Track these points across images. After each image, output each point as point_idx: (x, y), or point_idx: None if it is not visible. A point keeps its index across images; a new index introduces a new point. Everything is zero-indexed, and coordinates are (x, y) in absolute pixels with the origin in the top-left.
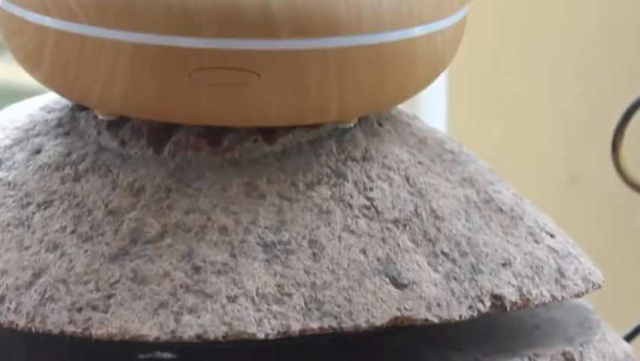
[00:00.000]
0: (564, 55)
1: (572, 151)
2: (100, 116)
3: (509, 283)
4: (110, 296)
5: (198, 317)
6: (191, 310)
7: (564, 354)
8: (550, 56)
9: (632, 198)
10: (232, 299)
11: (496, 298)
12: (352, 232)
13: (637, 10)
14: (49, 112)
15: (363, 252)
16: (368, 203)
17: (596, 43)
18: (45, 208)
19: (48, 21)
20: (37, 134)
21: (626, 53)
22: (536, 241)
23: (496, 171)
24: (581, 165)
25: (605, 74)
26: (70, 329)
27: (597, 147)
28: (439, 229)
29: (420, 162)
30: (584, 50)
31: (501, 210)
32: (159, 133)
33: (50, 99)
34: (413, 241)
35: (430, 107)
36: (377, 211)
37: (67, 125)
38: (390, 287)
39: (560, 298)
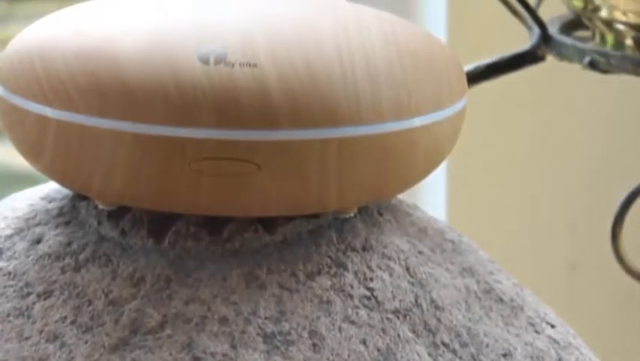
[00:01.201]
0: (563, 144)
1: (571, 239)
2: (100, 206)
3: None
4: None
5: None
6: None
7: None
8: (550, 145)
9: (632, 286)
10: None
11: None
12: (352, 322)
13: (637, 98)
14: (50, 201)
15: (364, 342)
16: (368, 293)
17: (596, 132)
18: (45, 298)
19: (49, 111)
20: (38, 224)
21: (625, 142)
22: (537, 332)
23: (496, 259)
24: (581, 253)
25: (604, 163)
26: None
27: (597, 235)
28: (439, 320)
29: (420, 252)
30: (584, 139)
31: (501, 300)
32: (160, 223)
33: (51, 188)
34: (413, 331)
35: (430, 196)
36: (377, 301)
37: (68, 214)
38: None
39: None
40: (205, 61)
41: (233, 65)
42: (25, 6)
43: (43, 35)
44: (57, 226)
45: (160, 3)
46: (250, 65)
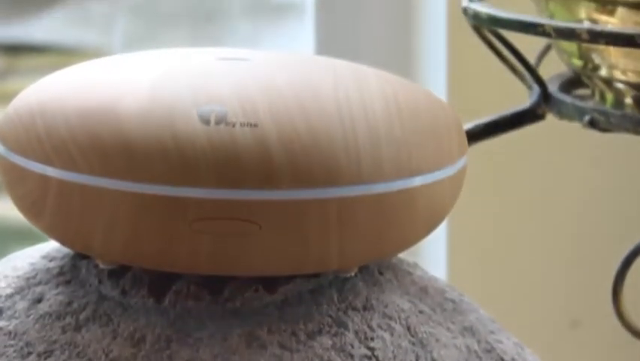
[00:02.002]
0: (564, 201)
1: (572, 297)
2: (101, 265)
3: None
4: None
5: None
6: None
7: None
8: (550, 202)
9: (633, 344)
10: None
11: None
12: None
13: (637, 156)
14: (50, 260)
15: None
16: (369, 353)
17: (596, 190)
18: (46, 358)
19: (50, 171)
20: (39, 283)
21: (626, 200)
22: None
23: (497, 317)
24: (582, 311)
25: (605, 220)
26: None
27: (598, 293)
28: None
29: (421, 311)
30: (584, 196)
31: (502, 360)
32: (160, 282)
33: (52, 247)
34: None
35: (431, 254)
36: None
37: (69, 273)
38: None
39: None
40: (206, 121)
41: (234, 125)
42: (26, 60)
43: (45, 94)
44: (58, 285)
45: (161, 62)
46: (251, 124)
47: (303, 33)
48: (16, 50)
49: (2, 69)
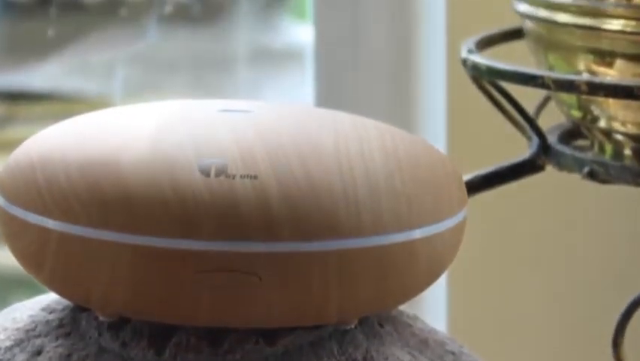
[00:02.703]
0: (564, 252)
1: (572, 349)
2: (101, 318)
3: None
4: None
5: None
6: None
7: None
8: (550, 256)
9: None
10: None
11: None
12: None
13: (636, 208)
14: (50, 312)
15: None
16: None
17: (595, 241)
18: None
19: (50, 223)
20: (38, 335)
21: (626, 251)
22: None
23: None
24: None
25: (605, 272)
26: None
27: (598, 345)
28: None
29: None
30: (583, 248)
31: None
32: (160, 334)
33: (52, 299)
34: None
35: (431, 306)
36: None
37: (69, 326)
38: None
39: None
40: (206, 173)
41: (234, 177)
42: (26, 108)
43: (45, 146)
44: (57, 338)
45: (162, 114)
46: (251, 176)
47: (303, 81)
48: (16, 97)
49: (2, 117)
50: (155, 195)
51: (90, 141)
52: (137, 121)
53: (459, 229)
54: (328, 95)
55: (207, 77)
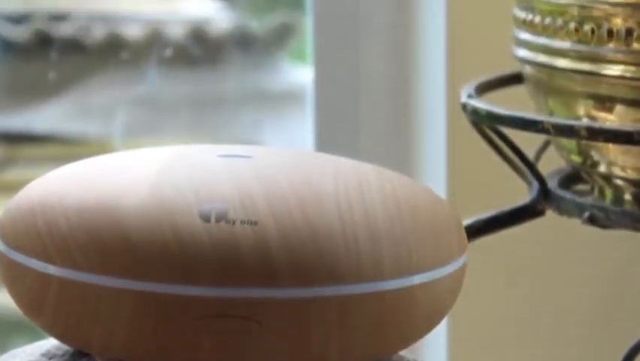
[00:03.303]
0: (565, 296)
1: None
2: None
3: None
4: None
5: None
6: None
7: None
8: (551, 298)
9: None
10: None
11: None
12: None
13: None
14: (50, 358)
15: None
16: None
17: (596, 286)
18: None
19: (50, 269)
20: None
21: (626, 295)
22: None
23: None
24: None
25: (605, 316)
26: None
27: None
28: None
29: None
30: (584, 292)
31: None
32: None
33: (51, 344)
34: None
35: (432, 352)
36: None
37: None
38: None
39: None
40: (206, 218)
41: (234, 223)
42: (27, 150)
43: (46, 191)
44: None
45: (162, 159)
46: (251, 222)
47: (303, 122)
48: (16, 139)
49: (3, 159)
50: (155, 241)
51: (90, 186)
52: (138, 166)
53: (459, 274)
54: (328, 137)
55: (207, 118)
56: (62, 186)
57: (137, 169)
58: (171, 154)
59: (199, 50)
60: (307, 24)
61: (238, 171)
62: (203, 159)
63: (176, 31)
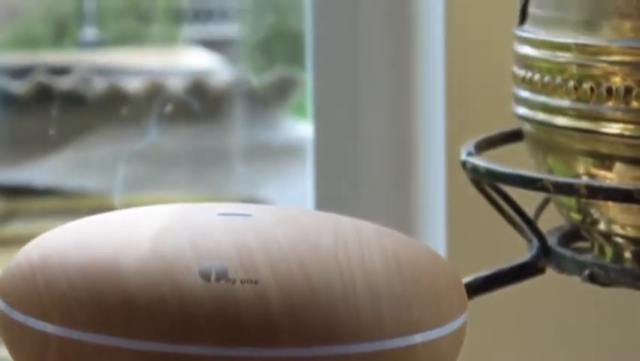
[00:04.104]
0: (565, 354)
1: None
2: None
3: None
4: None
5: None
6: None
7: None
8: (552, 356)
9: None
10: None
11: None
12: None
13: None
14: None
15: None
16: None
17: (597, 342)
18: None
19: (50, 328)
20: None
21: (629, 352)
22: None
23: None
24: None
25: None
26: None
27: None
28: None
29: None
30: (585, 348)
31: None
32: None
33: None
34: None
35: None
36: None
37: None
38: None
39: None
40: (206, 277)
41: (234, 282)
42: (27, 204)
43: (46, 249)
44: None
45: (161, 218)
46: (251, 281)
47: (303, 178)
48: (17, 193)
49: (3, 213)
50: (155, 300)
51: (90, 244)
52: (138, 224)
53: (460, 333)
54: (328, 192)
55: (208, 173)
56: (62, 244)
57: (137, 228)
58: (171, 213)
59: (199, 104)
60: (307, 80)
61: (238, 229)
62: (203, 218)
63: (177, 84)
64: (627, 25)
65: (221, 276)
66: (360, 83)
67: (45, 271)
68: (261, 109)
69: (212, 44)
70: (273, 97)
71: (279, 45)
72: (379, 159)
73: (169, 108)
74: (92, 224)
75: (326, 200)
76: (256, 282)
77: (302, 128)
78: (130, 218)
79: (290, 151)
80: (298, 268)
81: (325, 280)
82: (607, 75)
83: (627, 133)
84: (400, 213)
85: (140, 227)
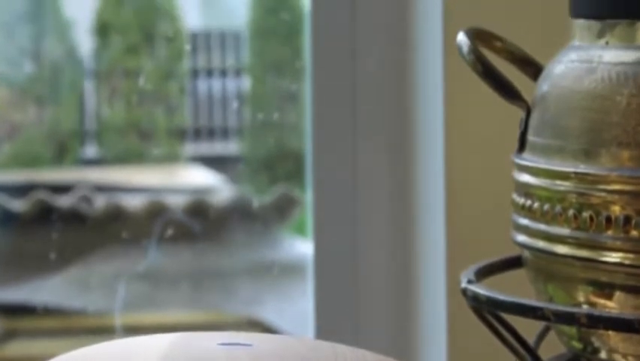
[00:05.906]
0: None
1: None
2: None
3: None
4: None
5: None
6: None
7: None
8: None
9: None
10: None
11: None
12: None
13: None
14: None
15: None
16: None
17: None
18: None
19: None
20: None
21: None
22: None
23: None
24: None
25: None
26: None
27: None
28: None
29: None
30: None
31: None
32: None
33: None
34: None
35: None
36: None
37: None
38: None
39: None
40: None
41: None
42: (28, 323)
43: None
44: None
45: (161, 349)
46: None
47: (304, 296)
48: (16, 313)
49: (3, 332)
50: None
51: None
52: (138, 355)
53: None
54: (328, 311)
55: (208, 293)
56: None
57: (137, 358)
58: (171, 342)
59: (199, 223)
60: (307, 198)
61: (238, 359)
62: (203, 348)
63: (177, 203)
64: (625, 154)
65: None
66: (360, 200)
67: None
68: (261, 227)
69: (213, 162)
70: (273, 215)
71: (279, 163)
72: (380, 282)
73: (170, 233)
74: (92, 354)
75: (326, 317)
76: None
77: (302, 247)
78: (129, 349)
79: (290, 270)
80: None
81: None
82: (606, 204)
83: (627, 262)
84: (401, 339)
85: (141, 358)
